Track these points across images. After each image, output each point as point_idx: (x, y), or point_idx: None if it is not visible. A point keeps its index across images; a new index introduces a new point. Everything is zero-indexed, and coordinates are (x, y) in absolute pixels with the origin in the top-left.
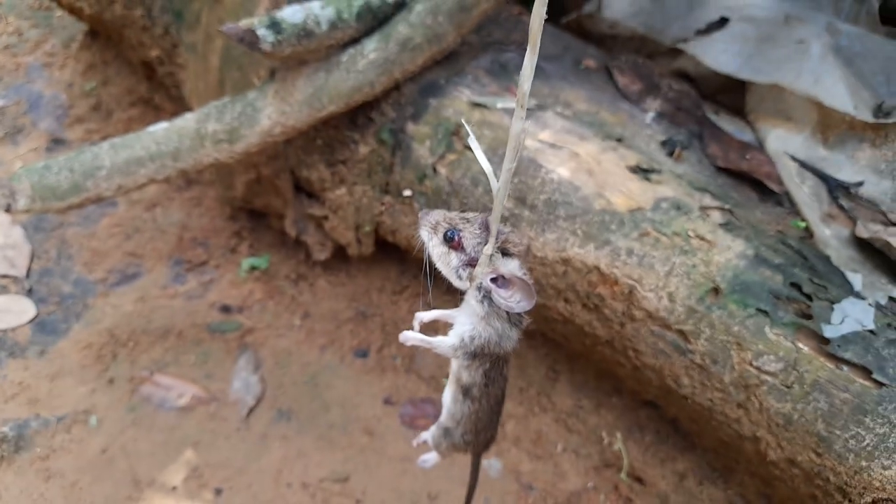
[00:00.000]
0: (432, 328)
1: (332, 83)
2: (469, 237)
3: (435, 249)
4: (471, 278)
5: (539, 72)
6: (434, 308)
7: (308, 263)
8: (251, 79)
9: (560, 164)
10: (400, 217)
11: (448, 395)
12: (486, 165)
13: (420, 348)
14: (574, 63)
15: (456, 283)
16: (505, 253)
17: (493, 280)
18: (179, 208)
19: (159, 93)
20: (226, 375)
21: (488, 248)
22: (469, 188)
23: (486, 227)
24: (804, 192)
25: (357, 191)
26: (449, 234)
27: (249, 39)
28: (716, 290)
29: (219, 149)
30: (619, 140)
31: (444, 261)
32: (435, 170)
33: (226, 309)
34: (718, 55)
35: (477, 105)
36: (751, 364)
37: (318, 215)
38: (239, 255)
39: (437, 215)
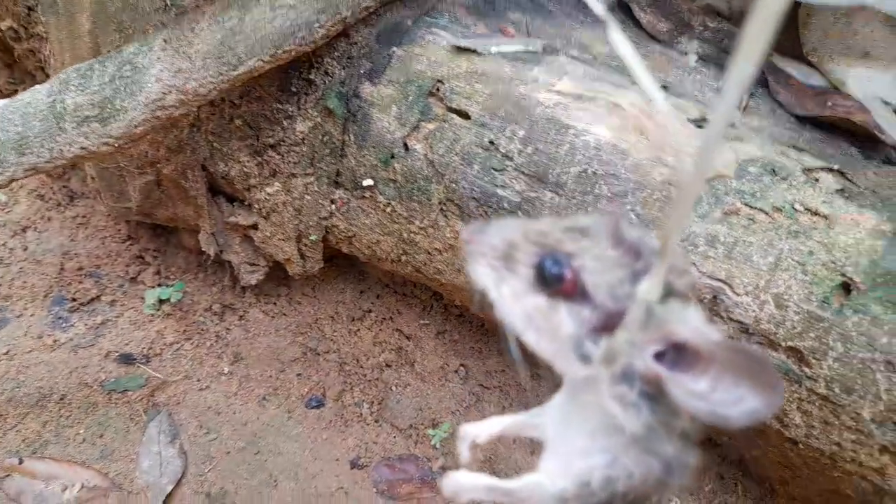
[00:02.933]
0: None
1: (249, 26)
2: (596, 268)
3: (516, 303)
4: (609, 358)
5: (539, 8)
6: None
7: (235, 290)
8: None
9: (594, 120)
10: (358, 217)
11: None
12: (650, 86)
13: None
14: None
15: (572, 369)
16: (667, 293)
17: (659, 356)
18: (59, 230)
19: (25, 83)
20: (130, 452)
21: (651, 286)
22: (459, 168)
23: (622, 242)
24: None
25: (296, 185)
26: (551, 265)
27: None
28: (847, 287)
29: (85, 132)
30: (665, 88)
31: (545, 325)
32: (406, 146)
33: (127, 359)
34: None
35: (463, 50)
36: None
37: (244, 224)
38: (142, 285)
39: (507, 229)
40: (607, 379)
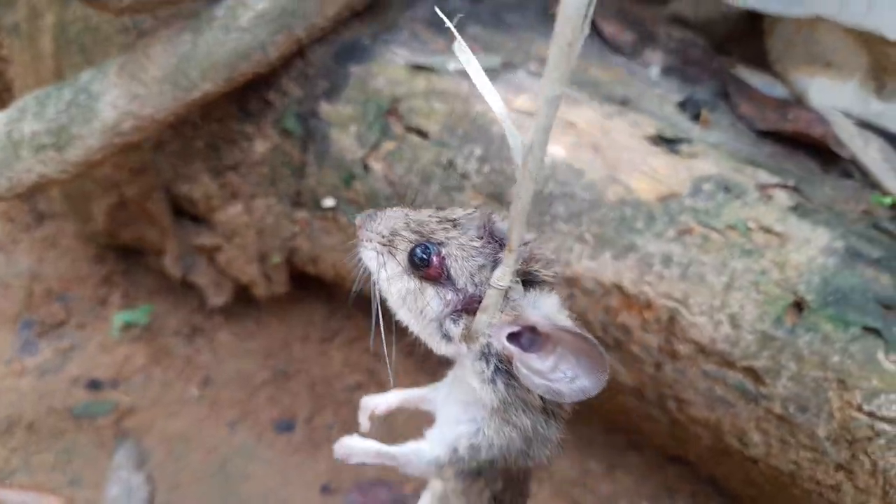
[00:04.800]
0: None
1: (203, 49)
2: (460, 256)
3: (393, 284)
4: (468, 337)
5: (499, 22)
6: (394, 383)
7: (203, 312)
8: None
9: (551, 140)
10: (321, 238)
11: None
12: (493, 99)
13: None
14: (541, 10)
15: (438, 346)
16: (530, 281)
17: (515, 337)
18: (27, 253)
19: None
20: (98, 478)
21: (502, 273)
22: (419, 187)
23: (489, 233)
24: (873, 157)
25: (258, 206)
26: (420, 251)
27: None
28: (799, 305)
29: (43, 159)
30: (624, 103)
31: (415, 305)
32: (366, 166)
33: (95, 384)
34: None
35: (420, 69)
36: (859, 408)
37: (208, 246)
38: (109, 308)
39: (392, 218)
40: (469, 356)
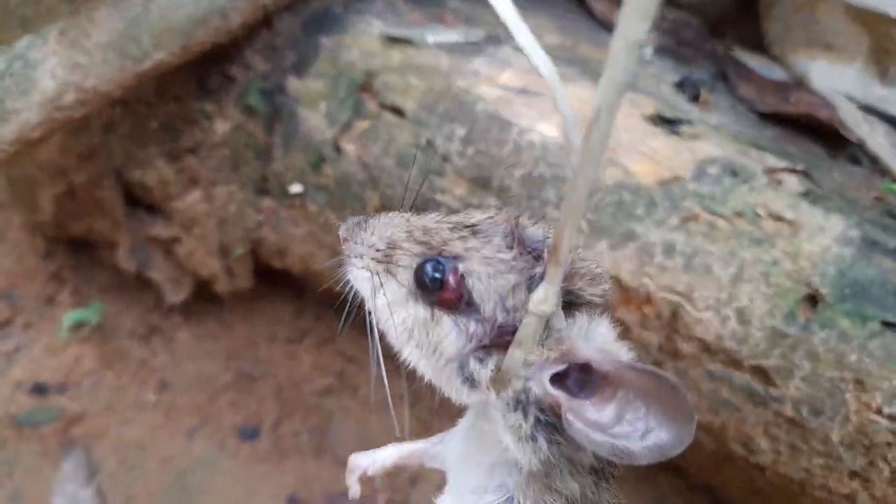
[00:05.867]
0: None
1: (155, 13)
2: (484, 273)
3: (396, 313)
4: (498, 381)
5: None
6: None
7: (160, 310)
8: None
9: (540, 117)
10: (288, 228)
11: None
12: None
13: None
14: None
15: (458, 393)
16: (571, 303)
17: (560, 378)
18: None
19: None
20: (43, 492)
21: (545, 295)
22: (394, 172)
23: (519, 243)
24: (880, 142)
25: (219, 194)
26: (431, 268)
27: None
28: (813, 299)
29: None
30: None
31: (426, 340)
32: (338, 148)
33: (40, 389)
34: None
35: (396, 41)
36: (878, 411)
37: (164, 237)
38: (58, 306)
39: (388, 226)
40: (499, 406)
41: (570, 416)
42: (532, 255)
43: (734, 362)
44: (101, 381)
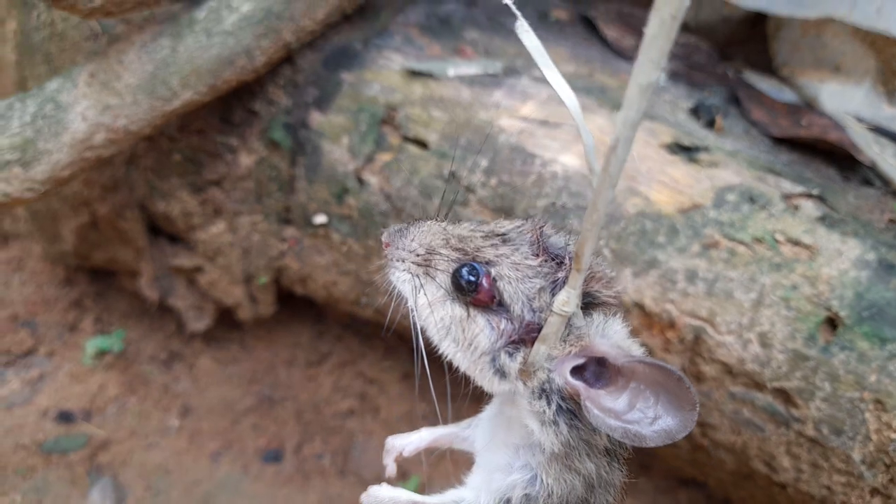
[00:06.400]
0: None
1: (183, 55)
2: (514, 277)
3: (435, 312)
4: (526, 372)
5: (497, 27)
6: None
7: (182, 336)
8: None
9: (563, 149)
10: (312, 257)
11: None
12: (566, 94)
13: None
14: (540, 16)
15: (490, 383)
16: (590, 304)
17: (578, 370)
18: None
19: None
20: None
21: (567, 297)
22: (417, 201)
23: (544, 250)
24: (891, 163)
25: (242, 224)
26: (467, 272)
27: None
28: (833, 322)
29: (6, 177)
30: None
31: (462, 336)
32: (361, 180)
33: (66, 416)
34: None
35: (417, 74)
36: None
37: (187, 267)
38: (81, 334)
39: (427, 234)
40: (526, 394)
41: (588, 404)
42: (555, 261)
43: (756, 384)
44: (126, 407)
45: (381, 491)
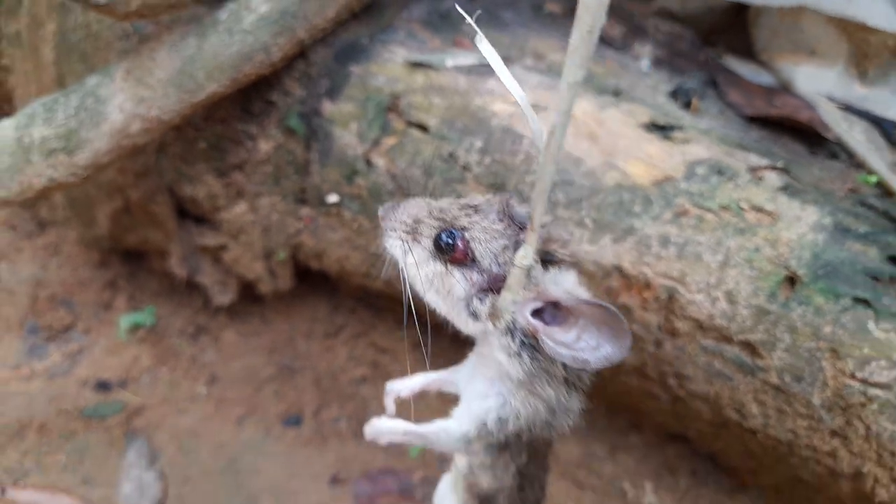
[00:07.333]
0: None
1: (208, 52)
2: (483, 238)
3: (421, 269)
4: (494, 315)
5: (493, 20)
6: (416, 367)
7: (208, 311)
8: None
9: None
10: (326, 234)
11: None
12: (514, 88)
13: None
14: (534, 8)
15: (465, 324)
16: (548, 260)
17: (539, 312)
18: (31, 260)
19: None
20: (111, 477)
21: (525, 253)
22: (421, 180)
23: (508, 217)
24: (857, 138)
25: (262, 205)
26: (445, 237)
27: None
28: (791, 280)
29: (53, 163)
30: (617, 94)
31: (442, 287)
32: (369, 162)
33: (103, 385)
34: None
35: (418, 66)
36: (852, 376)
37: (212, 246)
38: (115, 311)
39: (414, 207)
40: (495, 332)
41: (544, 338)
42: (518, 226)
43: (725, 338)
44: (158, 377)
45: (381, 423)
